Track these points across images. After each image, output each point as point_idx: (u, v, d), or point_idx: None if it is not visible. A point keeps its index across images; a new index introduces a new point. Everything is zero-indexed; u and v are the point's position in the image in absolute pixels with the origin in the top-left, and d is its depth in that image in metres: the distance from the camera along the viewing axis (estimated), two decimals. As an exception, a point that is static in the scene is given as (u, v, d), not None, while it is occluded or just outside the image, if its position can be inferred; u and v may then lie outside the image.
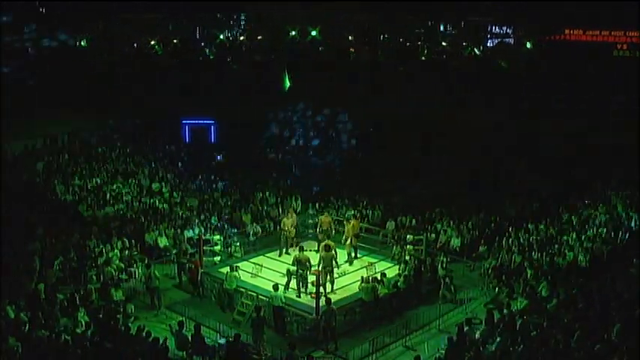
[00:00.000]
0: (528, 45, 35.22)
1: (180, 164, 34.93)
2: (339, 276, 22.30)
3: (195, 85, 40.59)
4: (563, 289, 20.54)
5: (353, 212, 29.23)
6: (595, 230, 25.36)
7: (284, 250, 24.75)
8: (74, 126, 36.78)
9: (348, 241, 24.39)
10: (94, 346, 16.19)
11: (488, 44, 39.25)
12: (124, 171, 33.84)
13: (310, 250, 23.78)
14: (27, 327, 17.29)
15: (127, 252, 25.03)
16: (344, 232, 25.33)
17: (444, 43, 37.47)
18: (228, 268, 22.32)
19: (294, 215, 26.03)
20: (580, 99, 34.80)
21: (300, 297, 20.97)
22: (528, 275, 22.46)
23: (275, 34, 37.93)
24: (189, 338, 18.04)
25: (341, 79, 39.55)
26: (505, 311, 19.16)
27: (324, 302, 19.87)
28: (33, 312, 18.40)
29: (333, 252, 21.97)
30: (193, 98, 40.91)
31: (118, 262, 23.97)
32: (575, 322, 17.79)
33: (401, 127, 39.66)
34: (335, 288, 21.54)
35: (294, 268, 21.31)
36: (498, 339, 17.26)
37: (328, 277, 21.57)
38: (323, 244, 22.59)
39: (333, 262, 21.81)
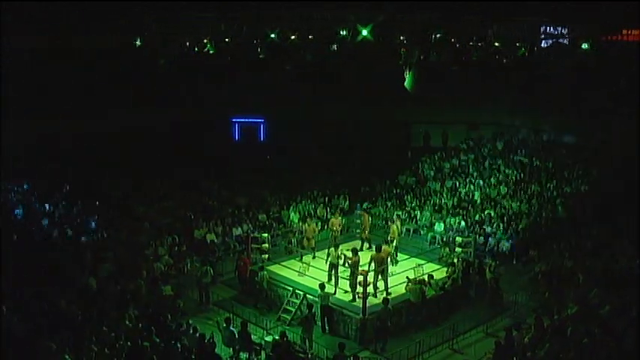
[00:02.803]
0: (584, 46, 34.37)
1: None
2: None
3: (247, 83, 40.83)
4: (616, 296, 20.05)
5: (400, 213, 29.15)
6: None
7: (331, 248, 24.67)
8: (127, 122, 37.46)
9: (394, 242, 24.22)
10: (143, 340, 16.42)
11: (542, 44, 38.48)
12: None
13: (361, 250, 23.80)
14: (79, 319, 17.65)
15: (176, 248, 25.40)
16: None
17: (496, 44, 36.84)
18: (268, 268, 22.48)
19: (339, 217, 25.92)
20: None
21: (355, 300, 20.81)
22: (580, 281, 22.01)
23: (325, 33, 37.86)
24: (236, 335, 18.18)
25: (390, 78, 39.36)
26: (555, 317, 18.79)
27: (375, 302, 19.84)
28: (85, 305, 18.79)
29: (384, 254, 21.94)
30: (244, 97, 41.17)
31: (167, 257, 24.33)
32: (628, 330, 17.36)
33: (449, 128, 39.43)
34: (380, 289, 21.43)
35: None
36: (547, 345, 16.94)
37: (380, 277, 21.50)
38: (375, 245, 22.66)
39: (386, 262, 21.73)
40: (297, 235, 27.25)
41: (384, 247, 21.94)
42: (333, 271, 21.93)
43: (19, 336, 16.09)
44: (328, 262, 22.23)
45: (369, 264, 21.44)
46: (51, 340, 15.65)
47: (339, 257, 21.87)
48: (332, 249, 22.45)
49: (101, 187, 31.38)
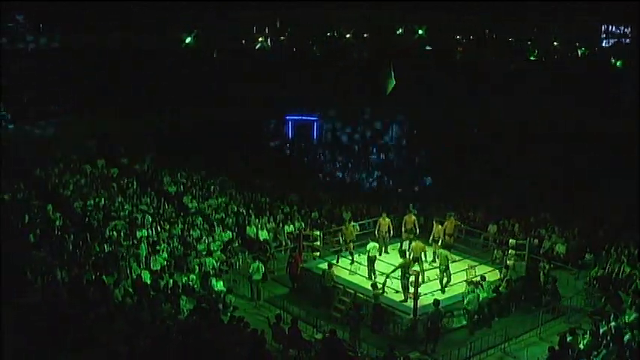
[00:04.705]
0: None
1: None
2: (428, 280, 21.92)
3: (301, 81, 40.98)
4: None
5: (452, 214, 28.80)
6: None
7: (382, 249, 24.48)
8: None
9: (439, 243, 23.87)
10: (194, 333, 16.62)
11: (604, 44, 37.56)
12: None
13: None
14: (133, 311, 17.97)
15: (228, 245, 25.64)
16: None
17: (555, 43, 36.15)
18: (326, 265, 22.43)
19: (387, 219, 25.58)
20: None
21: (406, 301, 20.65)
22: (639, 287, 21.44)
23: (381, 32, 37.81)
24: (286, 331, 18.24)
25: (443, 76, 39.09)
26: (612, 323, 18.33)
27: (427, 303, 19.72)
28: (139, 297, 19.13)
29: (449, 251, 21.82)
30: (298, 95, 41.29)
31: (219, 253, 24.57)
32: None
33: (506, 128, 38.81)
34: (427, 291, 21.18)
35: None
36: (604, 352, 16.54)
37: (442, 276, 21.39)
38: (439, 242, 23.02)
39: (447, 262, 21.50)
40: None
41: (417, 241, 22.15)
42: (372, 266, 22.10)
43: (76, 324, 16.48)
44: (367, 257, 22.30)
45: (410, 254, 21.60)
46: (105, 330, 15.98)
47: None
48: (373, 244, 22.56)
49: (158, 182, 31.88)
